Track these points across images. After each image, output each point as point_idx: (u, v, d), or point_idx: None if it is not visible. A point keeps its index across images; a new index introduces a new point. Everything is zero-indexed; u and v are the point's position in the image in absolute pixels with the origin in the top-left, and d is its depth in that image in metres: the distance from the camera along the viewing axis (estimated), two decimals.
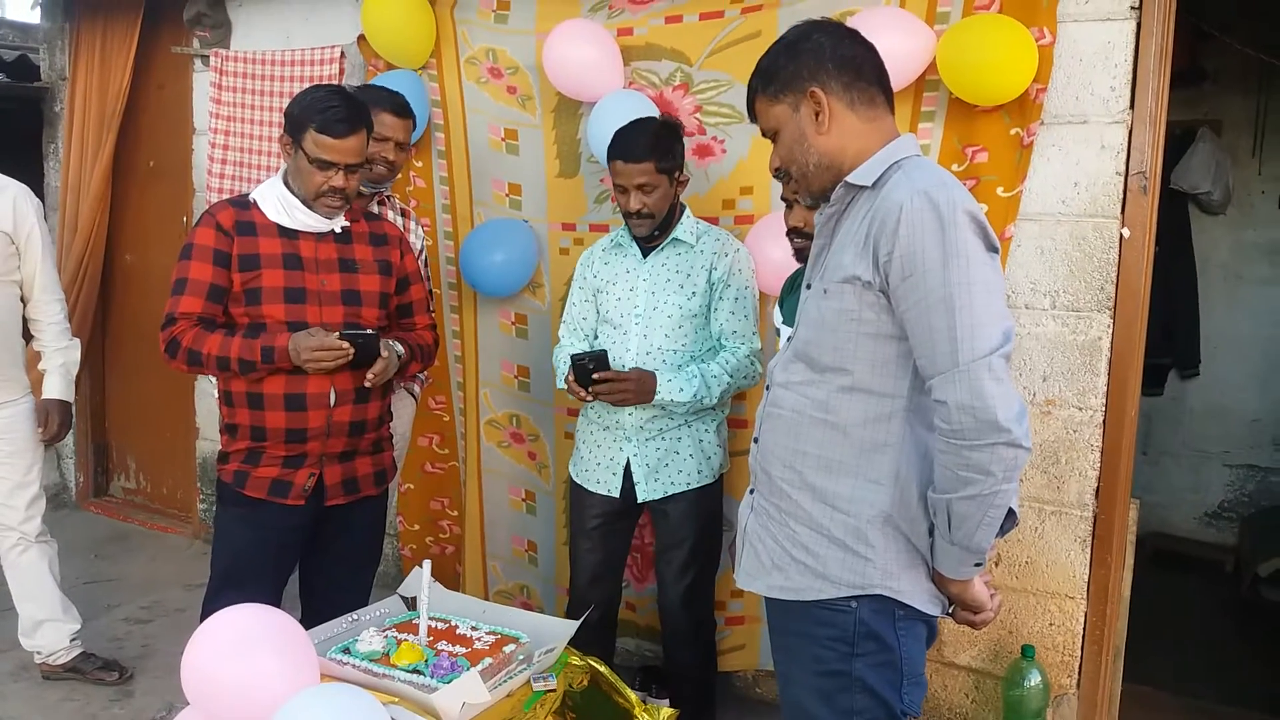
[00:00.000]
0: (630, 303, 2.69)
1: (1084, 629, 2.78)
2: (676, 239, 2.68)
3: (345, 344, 2.25)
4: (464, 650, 1.98)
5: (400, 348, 2.48)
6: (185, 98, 4.39)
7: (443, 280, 3.57)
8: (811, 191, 1.74)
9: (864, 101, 1.67)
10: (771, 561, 1.71)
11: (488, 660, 1.93)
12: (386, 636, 2.00)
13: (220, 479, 2.43)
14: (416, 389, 3.18)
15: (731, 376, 2.62)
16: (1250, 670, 3.69)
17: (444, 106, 3.46)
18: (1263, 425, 4.77)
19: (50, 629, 3.23)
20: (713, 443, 2.73)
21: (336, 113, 2.28)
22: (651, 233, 2.64)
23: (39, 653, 3.25)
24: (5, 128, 4.66)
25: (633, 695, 2.07)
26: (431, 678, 1.84)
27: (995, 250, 1.56)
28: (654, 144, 2.54)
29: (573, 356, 2.54)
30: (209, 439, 4.51)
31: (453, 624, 2.12)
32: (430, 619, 2.13)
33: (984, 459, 1.47)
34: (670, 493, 2.69)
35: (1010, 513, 1.57)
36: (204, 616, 2.42)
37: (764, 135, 1.76)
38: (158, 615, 3.82)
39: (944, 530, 1.57)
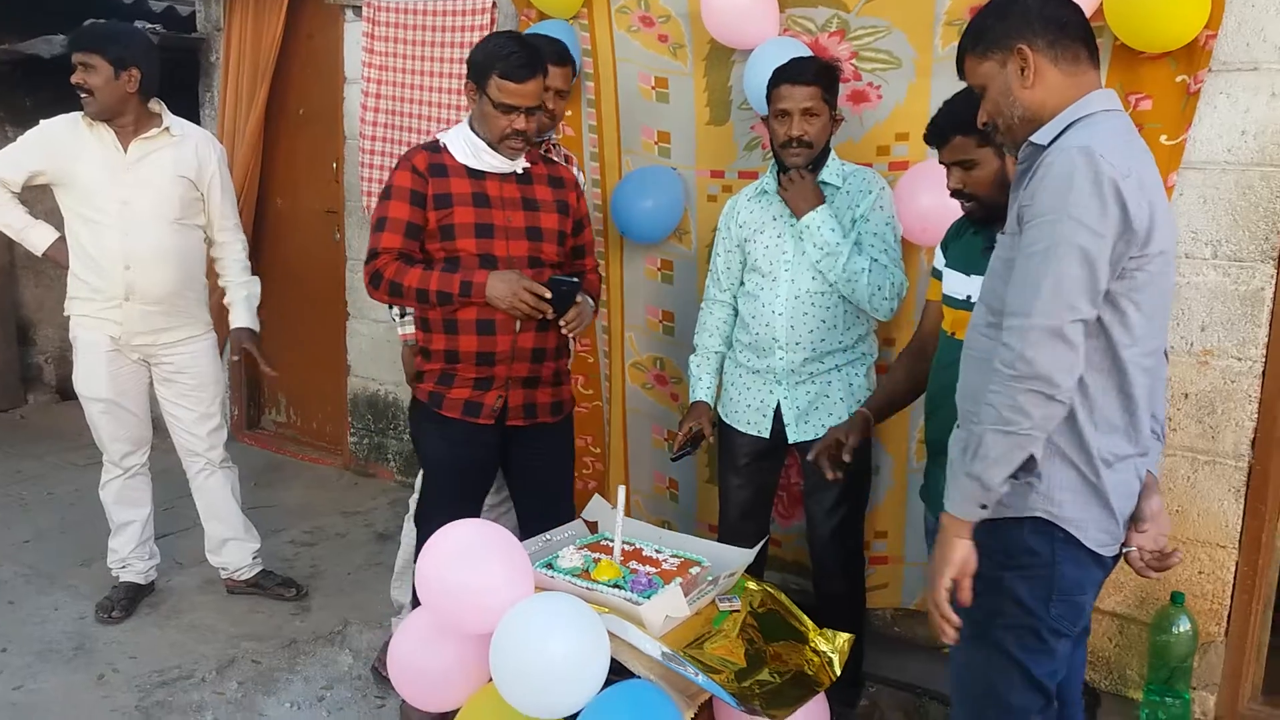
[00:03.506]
0: (779, 249, 2.76)
1: (1234, 578, 2.81)
2: (824, 182, 2.74)
3: (548, 295, 2.45)
4: (654, 570, 2.13)
5: (591, 302, 2.68)
6: (335, 47, 4.56)
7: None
8: (1016, 143, 1.84)
9: (1068, 58, 1.77)
10: None
11: (678, 580, 2.07)
12: (583, 555, 2.16)
13: (416, 398, 2.68)
14: None
15: (870, 272, 2.64)
16: None
17: (594, 55, 3.55)
18: None
19: (234, 547, 3.50)
20: (862, 386, 2.80)
21: (518, 58, 2.44)
22: (806, 166, 2.69)
23: (224, 569, 3.53)
24: (163, 78, 4.91)
25: (808, 621, 2.19)
26: (631, 592, 1.99)
27: (1126, 225, 1.61)
28: (822, 69, 2.65)
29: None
30: (359, 375, 4.76)
31: (638, 546, 2.27)
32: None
33: (1025, 401, 1.61)
34: (821, 434, 2.77)
35: (1031, 459, 1.67)
36: (418, 520, 2.74)
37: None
38: (320, 539, 4.09)
39: (968, 459, 1.69)
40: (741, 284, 2.89)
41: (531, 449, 2.71)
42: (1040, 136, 1.75)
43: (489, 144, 2.54)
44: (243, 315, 3.42)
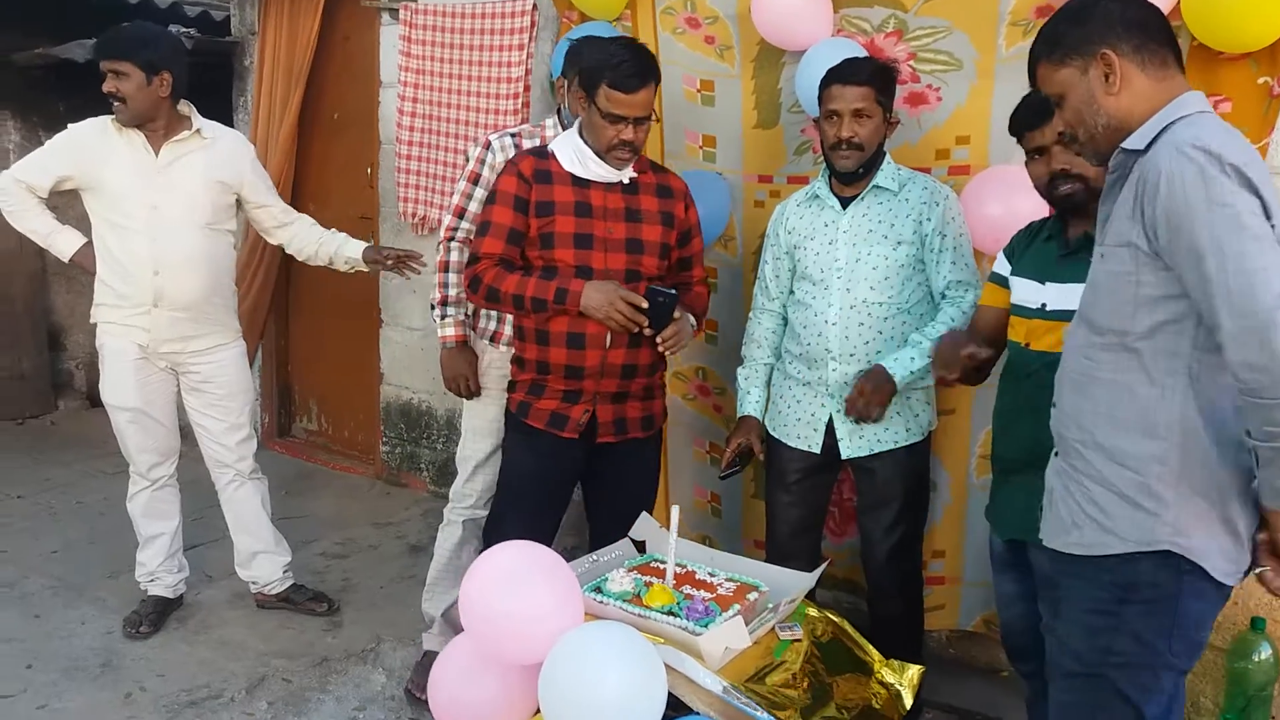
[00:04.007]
0: (831, 256, 2.64)
1: None
2: (878, 186, 2.62)
3: (644, 306, 2.37)
4: (710, 595, 2.01)
5: (693, 320, 2.60)
6: (371, 50, 4.48)
7: None
8: (1099, 153, 1.76)
9: (1155, 62, 1.68)
10: (1070, 520, 1.76)
11: (736, 606, 1.95)
12: (634, 578, 2.04)
13: (508, 407, 2.67)
14: None
15: (964, 313, 2.55)
16: None
17: None
18: None
19: (264, 560, 3.41)
20: (920, 400, 2.67)
21: (628, 67, 2.37)
22: (856, 170, 2.58)
23: (255, 583, 3.43)
24: (195, 82, 4.86)
25: (874, 650, 2.06)
26: (687, 620, 1.88)
27: (1269, 207, 1.52)
28: (877, 70, 2.54)
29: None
30: (392, 384, 4.67)
31: (690, 569, 2.15)
32: (664, 562, 2.17)
33: None
34: (876, 450, 2.65)
35: None
36: (488, 528, 2.73)
37: (1050, 101, 1.79)
38: (352, 551, 3.99)
39: (1255, 466, 1.58)
40: (791, 292, 2.77)
41: (619, 465, 2.63)
42: (1134, 141, 1.65)
43: (596, 153, 2.48)
44: (355, 244, 3.34)
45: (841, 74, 2.55)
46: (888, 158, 2.66)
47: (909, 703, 1.99)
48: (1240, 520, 1.63)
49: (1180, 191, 1.51)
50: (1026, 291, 2.23)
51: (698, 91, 3.34)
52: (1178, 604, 1.65)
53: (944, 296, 2.61)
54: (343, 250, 3.32)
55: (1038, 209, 2.71)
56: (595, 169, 2.49)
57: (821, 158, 3.08)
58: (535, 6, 3.75)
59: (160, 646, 3.18)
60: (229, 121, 5.02)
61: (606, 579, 2.03)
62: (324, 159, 4.85)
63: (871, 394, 2.51)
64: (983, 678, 3.13)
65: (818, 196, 2.71)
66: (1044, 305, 2.17)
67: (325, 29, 4.55)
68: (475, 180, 2.87)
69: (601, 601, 1.93)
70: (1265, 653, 2.59)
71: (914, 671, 2.04)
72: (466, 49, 3.95)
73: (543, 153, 2.55)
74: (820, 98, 2.60)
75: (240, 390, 3.33)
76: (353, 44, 4.61)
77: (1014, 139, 2.31)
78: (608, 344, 2.47)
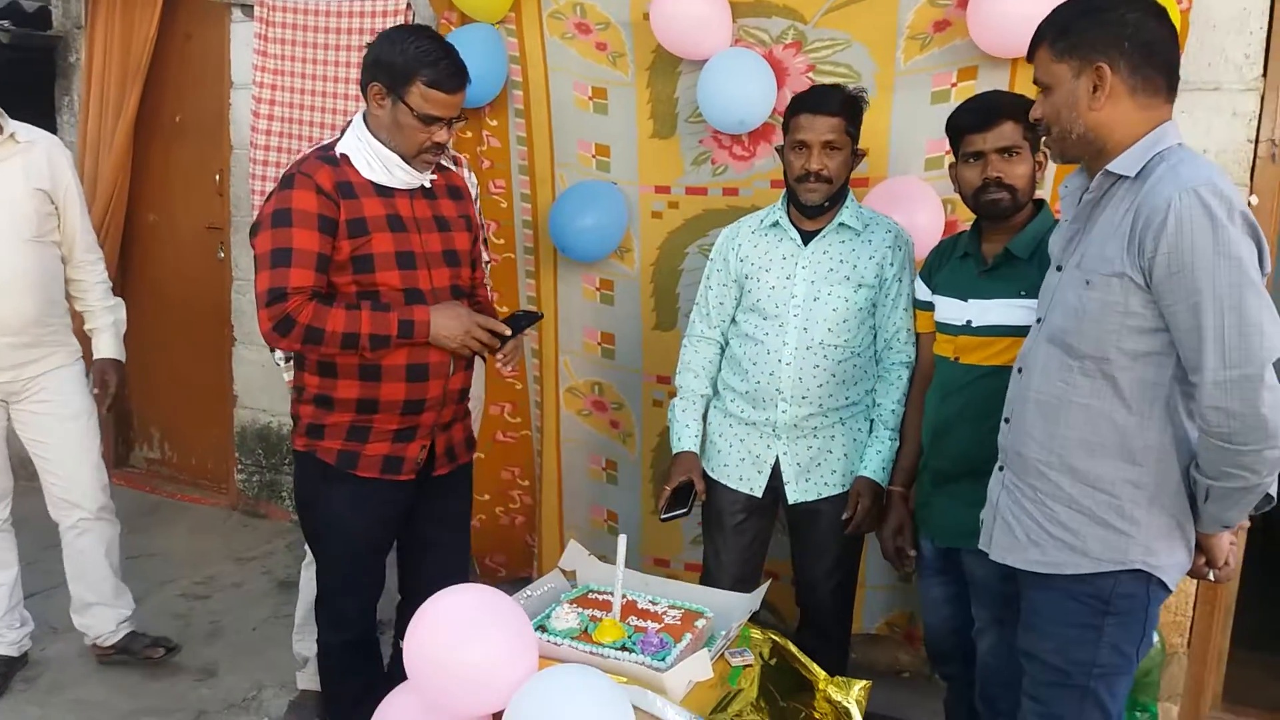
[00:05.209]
0: (787, 292, 2.46)
1: (1196, 589, 2.83)
2: (842, 224, 2.47)
3: (508, 333, 2.21)
4: (658, 626, 1.92)
5: None
6: (219, 49, 4.17)
7: (518, 244, 3.46)
8: (1064, 156, 1.78)
9: (1147, 89, 1.67)
10: (1028, 538, 1.79)
11: (688, 636, 1.88)
12: (577, 613, 1.93)
13: (316, 456, 2.23)
14: None
15: (904, 393, 2.47)
16: None
17: (523, 63, 3.32)
18: None
19: (100, 612, 3.07)
20: (866, 439, 2.52)
21: (448, 65, 2.13)
22: (822, 204, 2.43)
23: (87, 633, 3.10)
24: (8, 81, 4.38)
25: (818, 669, 2.02)
26: (643, 654, 1.79)
27: (1264, 254, 1.58)
28: (848, 101, 2.40)
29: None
30: (248, 407, 4.35)
31: (630, 598, 2.06)
32: (600, 593, 2.08)
33: (1250, 461, 1.56)
34: (823, 495, 2.50)
35: (1267, 496, 1.65)
36: (322, 601, 2.38)
37: (1034, 82, 1.78)
38: (215, 591, 3.68)
39: (1199, 498, 1.68)
40: (734, 322, 2.61)
41: (443, 495, 2.40)
42: (1123, 166, 1.66)
43: (403, 157, 2.19)
44: (110, 344, 3.05)
45: (810, 103, 2.39)
46: (851, 195, 2.52)
47: (858, 719, 1.96)
48: (1192, 534, 1.73)
49: (1189, 234, 1.53)
50: (950, 310, 2.25)
51: (589, 99, 3.25)
52: (1148, 614, 1.72)
53: (889, 346, 2.49)
54: (98, 336, 3.06)
55: (934, 221, 2.77)
56: (402, 175, 2.20)
57: (722, 169, 3.08)
58: (409, 6, 3.57)
59: (8, 712, 2.82)
60: (52, 124, 4.60)
61: (550, 615, 1.92)
62: (165, 165, 4.48)
63: (871, 506, 2.42)
64: (884, 680, 3.15)
65: (777, 224, 2.53)
66: (969, 322, 2.19)
67: (165, 25, 4.20)
68: None
69: (555, 643, 1.82)
70: (1152, 640, 2.71)
71: (859, 687, 1.99)
72: (331, 49, 3.71)
73: (333, 159, 2.17)
74: (787, 126, 2.44)
75: (85, 413, 3.00)
76: (195, 42, 4.29)
77: (935, 145, 2.32)
78: (451, 371, 2.26)
